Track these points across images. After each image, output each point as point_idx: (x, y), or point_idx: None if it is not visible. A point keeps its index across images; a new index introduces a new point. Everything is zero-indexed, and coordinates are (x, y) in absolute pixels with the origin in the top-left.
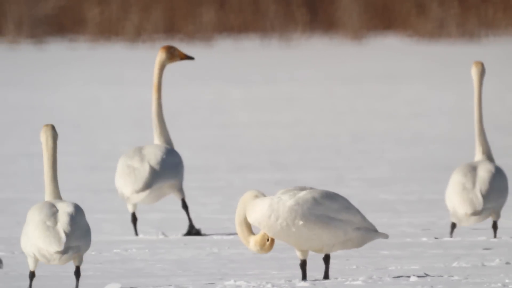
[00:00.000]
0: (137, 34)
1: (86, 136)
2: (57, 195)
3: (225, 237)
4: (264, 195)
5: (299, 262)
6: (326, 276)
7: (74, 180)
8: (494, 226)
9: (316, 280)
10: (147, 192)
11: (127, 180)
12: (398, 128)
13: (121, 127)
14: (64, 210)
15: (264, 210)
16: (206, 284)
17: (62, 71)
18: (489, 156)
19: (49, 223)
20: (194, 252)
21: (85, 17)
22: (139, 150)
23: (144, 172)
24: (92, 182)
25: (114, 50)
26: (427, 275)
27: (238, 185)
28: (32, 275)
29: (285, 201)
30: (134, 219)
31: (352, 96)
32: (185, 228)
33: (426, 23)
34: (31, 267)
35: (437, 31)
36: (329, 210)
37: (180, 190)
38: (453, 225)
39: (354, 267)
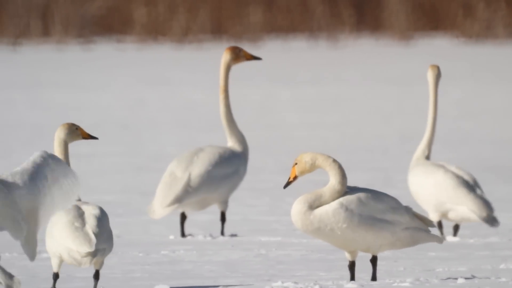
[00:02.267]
0: (184, 35)
1: (133, 137)
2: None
3: (272, 239)
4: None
5: (347, 263)
6: (373, 278)
7: (122, 181)
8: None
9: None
10: (174, 207)
11: (161, 190)
12: (445, 129)
13: (168, 128)
14: (91, 212)
15: (307, 221)
16: (254, 285)
17: (109, 71)
18: (428, 158)
19: (77, 224)
20: (242, 254)
21: (132, 18)
22: (193, 155)
23: (179, 185)
24: (139, 183)
25: (161, 50)
26: (474, 277)
27: None
28: (56, 276)
29: (329, 206)
30: (182, 218)
31: (399, 96)
32: (232, 229)
33: (473, 24)
34: (55, 268)
35: (484, 32)
36: (374, 210)
37: (223, 203)
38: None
39: (402, 268)
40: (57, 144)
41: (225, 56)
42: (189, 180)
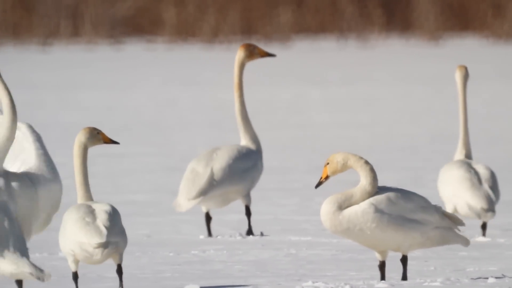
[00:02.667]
0: (214, 35)
1: (164, 137)
2: (89, 198)
3: (302, 238)
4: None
5: (377, 263)
6: (404, 277)
7: (152, 181)
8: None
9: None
10: (199, 199)
11: (185, 185)
12: (475, 129)
13: (198, 128)
14: (101, 208)
15: (336, 221)
16: (284, 285)
17: (139, 72)
18: (469, 158)
19: (88, 219)
20: (272, 253)
21: (162, 18)
22: (211, 153)
23: (202, 179)
24: (170, 183)
25: (191, 50)
26: (505, 276)
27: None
28: (75, 276)
29: (358, 207)
30: (207, 219)
31: (429, 96)
32: (262, 229)
33: (503, 24)
34: (73, 267)
35: None
36: (404, 210)
37: (246, 196)
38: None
39: (432, 268)
40: (76, 147)
41: (239, 53)
42: (212, 174)
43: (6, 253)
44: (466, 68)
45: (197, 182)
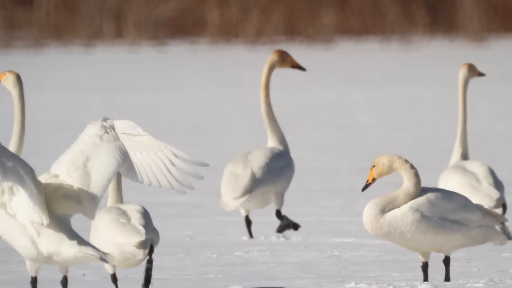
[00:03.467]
0: (257, 36)
1: (207, 138)
2: (120, 202)
3: (346, 240)
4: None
5: (420, 264)
6: (447, 278)
7: (195, 182)
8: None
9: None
10: (245, 198)
11: (228, 186)
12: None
13: (241, 129)
14: (132, 208)
15: (377, 224)
16: (327, 286)
17: (183, 73)
18: (465, 158)
19: (122, 220)
20: (315, 255)
21: (205, 19)
22: (245, 156)
23: (245, 178)
24: (213, 184)
25: (234, 52)
26: None
27: (359, 188)
28: (114, 277)
29: (398, 210)
30: (248, 222)
31: (473, 98)
32: (305, 231)
33: None
34: (110, 270)
35: None
36: (445, 211)
37: (279, 197)
38: None
39: (475, 269)
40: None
41: (272, 57)
42: (252, 173)
43: (67, 237)
44: (469, 67)
45: (240, 182)
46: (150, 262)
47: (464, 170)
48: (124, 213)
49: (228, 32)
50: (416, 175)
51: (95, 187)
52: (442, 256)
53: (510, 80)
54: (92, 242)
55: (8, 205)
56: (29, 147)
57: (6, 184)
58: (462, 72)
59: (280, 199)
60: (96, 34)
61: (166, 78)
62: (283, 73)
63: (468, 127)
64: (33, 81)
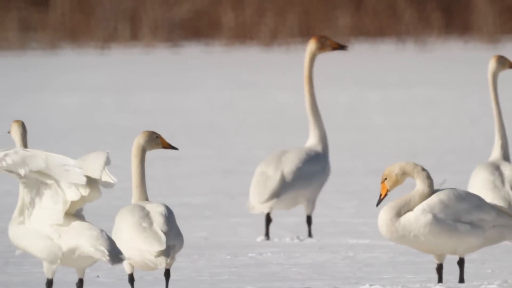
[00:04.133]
0: (272, 38)
1: (222, 140)
2: (145, 198)
3: (360, 241)
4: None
5: (435, 266)
6: (461, 280)
7: (209, 183)
8: None
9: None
10: (272, 202)
11: (256, 188)
12: None
13: (256, 131)
14: (156, 210)
15: (392, 227)
16: None
17: (198, 74)
18: (506, 158)
19: (144, 224)
20: (329, 256)
21: (220, 21)
22: (280, 156)
23: (274, 181)
24: (228, 185)
25: (249, 53)
26: None
27: (374, 189)
28: (131, 278)
29: (412, 213)
30: (268, 220)
31: (488, 99)
32: (319, 232)
33: None
34: (128, 270)
35: None
36: (458, 211)
37: (310, 203)
38: None
39: (489, 271)
40: (135, 149)
41: (310, 45)
42: (283, 176)
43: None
44: (499, 59)
45: (268, 185)
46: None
47: (495, 168)
48: (147, 215)
49: (243, 34)
50: (429, 177)
51: (91, 171)
52: (457, 258)
53: None
54: (114, 238)
55: (27, 219)
56: (43, 148)
57: (29, 197)
58: (491, 65)
59: (311, 204)
60: (111, 36)
61: (181, 80)
62: (297, 74)
63: (484, 128)
64: (48, 82)
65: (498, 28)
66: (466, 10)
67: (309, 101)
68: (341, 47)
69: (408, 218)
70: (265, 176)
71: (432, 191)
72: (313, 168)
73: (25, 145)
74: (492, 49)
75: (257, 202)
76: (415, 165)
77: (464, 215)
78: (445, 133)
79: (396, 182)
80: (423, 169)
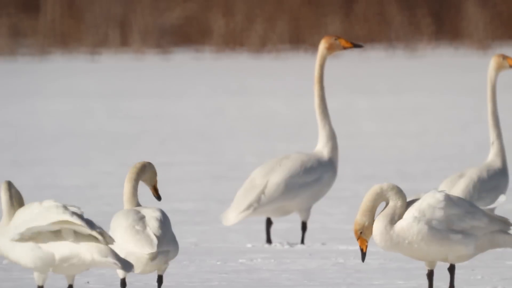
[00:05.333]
0: (262, 45)
1: (212, 146)
2: (137, 204)
3: (350, 247)
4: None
5: (425, 272)
6: (451, 286)
7: (200, 189)
8: None
9: None
10: (248, 212)
11: (238, 196)
12: None
13: (246, 137)
14: (151, 215)
15: (387, 236)
16: None
17: (188, 81)
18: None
19: (138, 227)
20: (319, 262)
21: (210, 28)
22: (276, 162)
23: (255, 192)
24: (218, 192)
25: (239, 60)
26: None
27: (363, 195)
28: (123, 283)
29: (403, 221)
30: (268, 223)
31: (478, 106)
32: (309, 238)
33: None
34: (121, 274)
35: None
36: (450, 218)
37: (303, 211)
38: None
39: (479, 277)
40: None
41: (322, 47)
42: (265, 187)
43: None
44: (499, 58)
45: (248, 195)
46: (159, 282)
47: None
48: (141, 219)
49: (233, 40)
50: (400, 193)
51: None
52: (447, 264)
53: None
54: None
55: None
56: (33, 154)
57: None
58: (492, 63)
59: (304, 212)
60: (101, 42)
61: (171, 86)
62: (288, 81)
63: (474, 135)
64: (39, 88)
65: (489, 34)
66: (457, 16)
67: (318, 102)
68: (355, 45)
69: (401, 225)
70: (252, 184)
71: (404, 207)
72: (304, 179)
73: (12, 205)
74: (482, 56)
75: (234, 212)
76: (372, 194)
77: (457, 222)
78: (435, 139)
79: (370, 226)
80: (390, 188)
